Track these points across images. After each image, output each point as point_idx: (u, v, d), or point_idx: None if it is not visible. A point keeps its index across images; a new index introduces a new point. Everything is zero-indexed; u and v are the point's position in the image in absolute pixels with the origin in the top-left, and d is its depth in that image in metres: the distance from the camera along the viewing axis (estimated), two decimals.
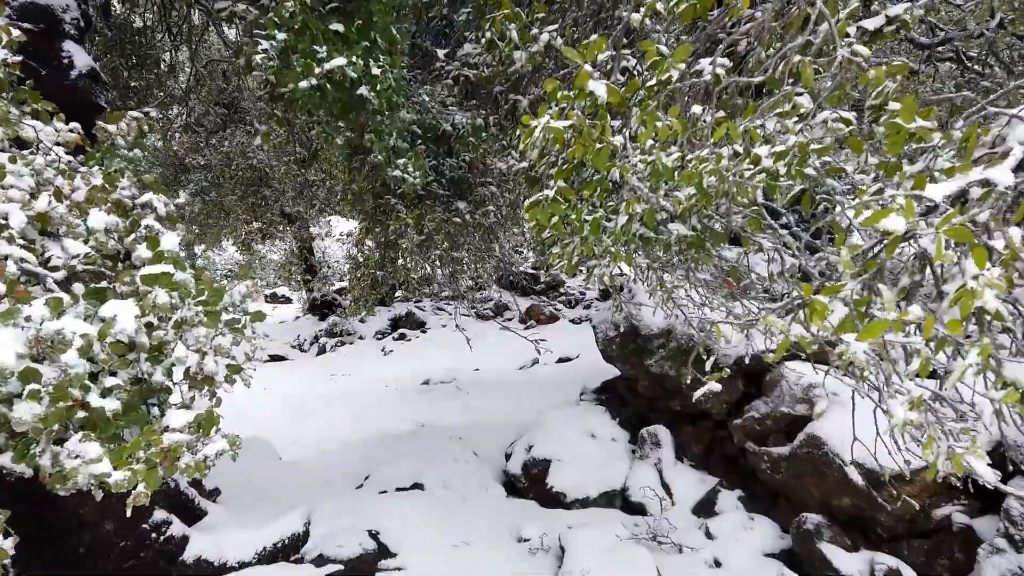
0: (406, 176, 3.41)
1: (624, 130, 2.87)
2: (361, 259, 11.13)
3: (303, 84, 3.04)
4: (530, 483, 6.50)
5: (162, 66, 10.63)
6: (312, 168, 10.85)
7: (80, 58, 4.06)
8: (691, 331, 6.20)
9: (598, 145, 2.73)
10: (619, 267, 2.85)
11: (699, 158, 2.56)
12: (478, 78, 4.39)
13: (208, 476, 6.86)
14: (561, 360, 13.51)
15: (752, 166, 2.36)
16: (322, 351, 16.81)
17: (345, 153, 4.64)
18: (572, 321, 17.48)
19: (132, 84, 9.96)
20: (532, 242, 8.52)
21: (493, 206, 4.90)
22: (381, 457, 7.82)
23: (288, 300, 20.58)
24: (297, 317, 19.27)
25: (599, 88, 2.69)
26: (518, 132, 3.72)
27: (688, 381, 4.23)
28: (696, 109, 2.56)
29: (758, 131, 2.46)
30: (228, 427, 8.24)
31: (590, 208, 2.93)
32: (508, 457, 6.93)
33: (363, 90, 3.24)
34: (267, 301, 22.11)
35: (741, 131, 2.44)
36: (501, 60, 4.15)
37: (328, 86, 3.16)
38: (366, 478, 6.93)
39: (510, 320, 18.01)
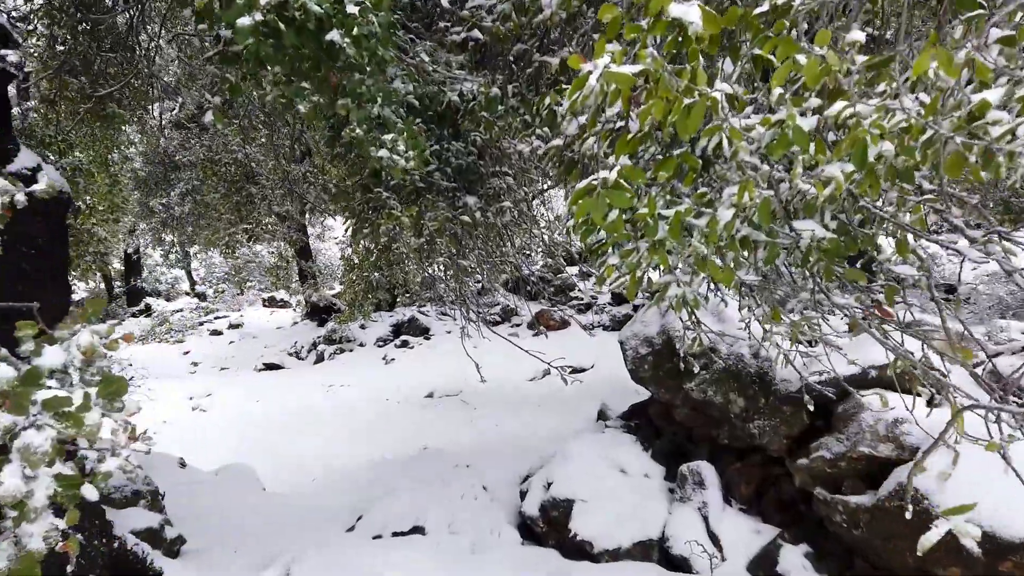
0: (395, 157, 2.46)
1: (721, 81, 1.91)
2: (356, 260, 10.22)
3: (244, 21, 2.09)
4: (549, 528, 5.54)
5: (138, 51, 9.70)
6: (304, 163, 9.96)
7: None
8: (740, 350, 5.25)
9: (687, 100, 1.78)
10: (712, 288, 1.91)
11: (857, 115, 1.60)
12: (494, 35, 3.44)
13: (176, 517, 5.93)
14: (575, 371, 12.54)
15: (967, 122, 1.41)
16: (320, 359, 15.88)
17: (326, 135, 3.70)
18: (585, 328, 16.51)
19: (108, 70, 9.00)
20: (557, 246, 7.56)
21: (510, 202, 3.96)
22: (378, 488, 6.86)
23: (286, 304, 19.65)
24: (295, 323, 18.34)
25: (690, 12, 1.74)
26: (546, 102, 2.77)
27: (738, 410, 3.33)
28: (856, 35, 1.60)
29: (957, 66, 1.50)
30: (215, 446, 7.33)
31: (668, 199, 1.98)
32: (523, 495, 5.97)
33: (334, 35, 2.30)
34: (265, 306, 21.19)
35: (935, 67, 1.48)
36: (524, 8, 3.19)
37: (283, 27, 2.21)
38: (359, 518, 5.98)
39: (518, 326, 17.07)
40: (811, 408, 3.47)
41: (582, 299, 17.73)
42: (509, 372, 13.25)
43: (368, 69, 2.44)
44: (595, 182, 1.84)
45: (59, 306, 3.69)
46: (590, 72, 1.79)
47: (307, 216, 14.11)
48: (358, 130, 2.48)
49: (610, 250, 2.08)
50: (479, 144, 3.81)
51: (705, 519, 5.07)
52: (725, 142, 1.74)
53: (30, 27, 8.06)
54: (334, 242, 18.03)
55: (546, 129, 3.19)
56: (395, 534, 5.64)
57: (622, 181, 1.82)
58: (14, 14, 7.65)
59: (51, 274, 3.59)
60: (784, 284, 2.38)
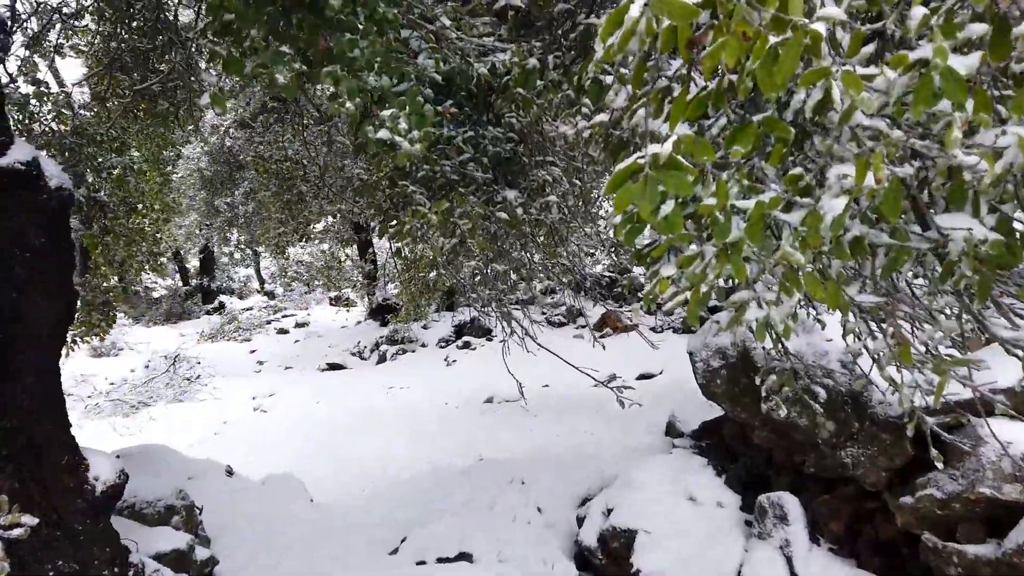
0: (397, 139, 1.97)
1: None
2: (410, 259, 9.84)
3: None
4: (609, 561, 4.97)
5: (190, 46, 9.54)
6: (359, 159, 9.63)
7: None
8: (828, 363, 4.55)
9: (774, 38, 1.20)
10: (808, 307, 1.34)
11: None
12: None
13: (214, 531, 5.65)
14: (642, 376, 11.84)
15: None
16: (382, 359, 15.69)
17: (349, 115, 3.20)
18: (652, 329, 15.75)
19: (160, 67, 8.84)
20: (612, 244, 6.94)
21: (557, 195, 3.42)
22: (427, 505, 6.44)
23: (352, 303, 19.60)
24: (358, 322, 18.26)
25: None
26: (589, 70, 2.22)
27: (827, 435, 2.73)
28: None
29: None
30: (271, 450, 7.08)
31: (745, 184, 1.40)
32: (581, 521, 5.41)
33: None
34: (331, 304, 21.25)
35: None
36: None
37: None
38: (403, 540, 5.55)
39: (583, 327, 16.45)
40: (916, 432, 2.81)
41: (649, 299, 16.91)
42: (572, 376, 12.70)
43: (361, 28, 1.95)
44: (641, 160, 1.28)
45: (57, 313, 3.35)
46: (631, 1, 1.24)
47: (364, 214, 13.90)
48: (348, 104, 2.00)
49: (664, 256, 1.52)
50: (519, 128, 3.29)
51: (788, 560, 4.40)
52: (836, 96, 1.15)
53: (82, 23, 8.01)
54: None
55: (591, 105, 2.63)
56: (440, 560, 5.18)
57: (680, 158, 1.27)
58: (64, 10, 7.59)
59: (51, 278, 3.25)
60: (911, 304, 1.76)
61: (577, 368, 4.78)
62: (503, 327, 4.33)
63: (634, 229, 1.48)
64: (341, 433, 10.41)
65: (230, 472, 6.95)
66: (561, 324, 16.80)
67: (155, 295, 27.13)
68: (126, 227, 7.61)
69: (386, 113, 2.02)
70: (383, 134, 2.06)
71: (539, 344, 4.59)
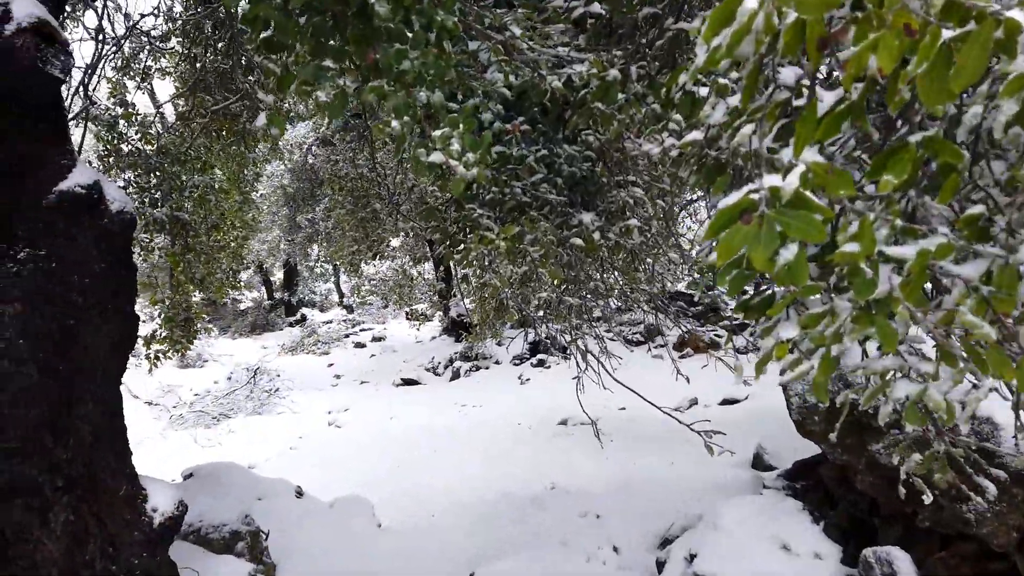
0: (452, 163, 1.71)
1: None
2: (480, 284, 9.65)
3: None
4: None
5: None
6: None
7: (20, 6, 2.71)
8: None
9: (948, 31, 0.85)
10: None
11: None
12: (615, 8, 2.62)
13: (279, 556, 5.54)
14: (726, 401, 11.26)
15: None
16: (456, 376, 15.58)
17: (396, 136, 2.99)
18: (737, 351, 15.05)
19: (242, 87, 8.99)
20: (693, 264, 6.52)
21: (638, 220, 3.10)
22: (497, 534, 6.17)
23: (427, 318, 19.64)
24: (433, 337, 18.26)
25: None
26: (680, 79, 1.91)
27: (945, 485, 2.29)
28: None
29: None
30: (343, 467, 7.00)
31: (898, 226, 1.07)
32: (661, 566, 5.01)
33: None
34: (407, 319, 21.37)
35: None
36: None
37: None
38: (471, 575, 5.28)
39: (663, 347, 15.89)
40: None
41: (736, 318, 16.23)
42: (651, 399, 12.20)
43: (412, 38, 1.71)
44: (755, 195, 0.97)
45: (117, 339, 3.25)
46: None
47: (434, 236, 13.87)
48: (394, 123, 1.76)
49: (784, 312, 1.20)
50: (598, 146, 2.99)
51: None
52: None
53: (170, 46, 8.22)
54: None
55: (681, 122, 2.31)
56: None
57: (808, 195, 0.95)
58: (153, 33, 7.80)
59: (111, 304, 3.15)
60: None
61: (651, 403, 4.42)
62: (577, 360, 3.99)
63: (741, 278, 1.17)
64: (413, 452, 10.29)
65: (300, 493, 6.87)
66: (639, 342, 16.30)
67: (241, 307, 28.06)
68: (207, 245, 7.72)
69: (438, 133, 1.77)
70: (436, 157, 1.80)
71: (615, 379, 4.24)
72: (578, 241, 2.90)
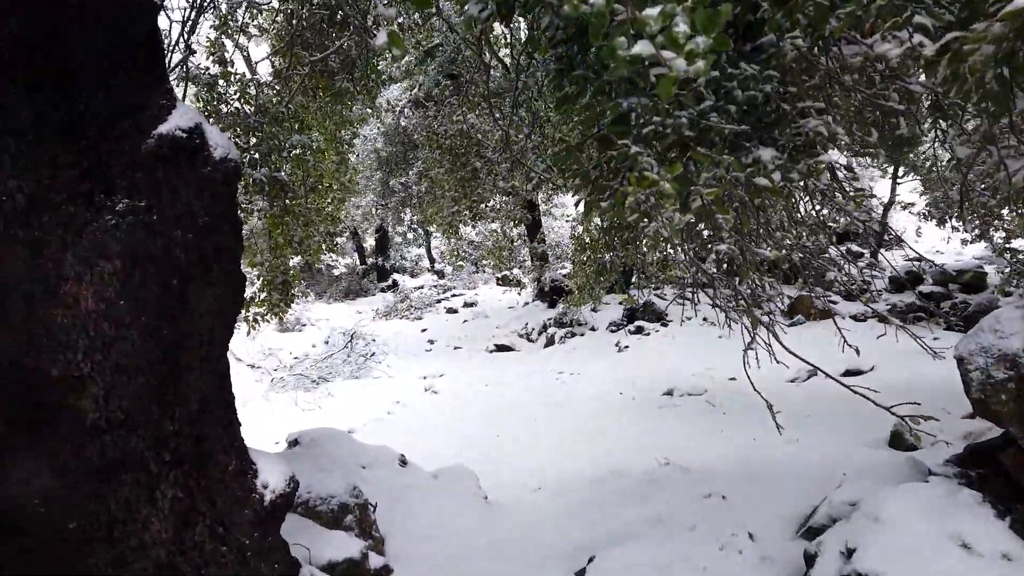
0: (666, 54, 1.20)
1: None
2: (587, 240, 9.11)
3: None
4: None
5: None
6: (533, 134, 9.01)
7: None
8: None
9: None
10: None
11: None
12: None
13: (387, 530, 5.29)
14: (847, 373, 10.37)
15: None
16: (550, 342, 15.19)
17: (551, 69, 2.57)
18: (854, 318, 13.97)
19: (341, 44, 8.65)
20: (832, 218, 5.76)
21: (830, 152, 2.50)
22: (613, 516, 5.74)
23: (519, 283, 19.28)
24: (526, 303, 17.90)
25: None
26: None
27: None
28: None
29: None
30: (442, 434, 6.74)
31: None
32: (811, 560, 4.43)
33: None
34: (498, 284, 21.11)
35: None
36: None
37: None
38: (590, 560, 4.86)
39: (769, 314, 14.96)
40: None
41: (850, 283, 15.07)
42: (761, 369, 11.40)
43: None
44: None
45: (224, 301, 2.94)
46: None
47: (537, 192, 13.33)
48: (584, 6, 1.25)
49: None
50: (788, 61, 2.40)
51: None
52: None
53: (267, 2, 7.98)
54: (565, 220, 17.19)
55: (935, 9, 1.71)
56: None
57: None
58: None
59: (216, 262, 2.83)
60: None
61: (825, 374, 3.82)
62: (747, 327, 3.42)
63: None
64: (511, 420, 9.98)
65: (403, 462, 6.63)
66: (730, 308, 15.44)
67: (336, 273, 28.56)
68: (305, 207, 7.51)
69: (654, 11, 1.25)
70: (642, 48, 1.29)
71: (786, 348, 3.66)
72: (763, 181, 2.34)
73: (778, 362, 3.93)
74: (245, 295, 7.57)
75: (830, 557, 4.25)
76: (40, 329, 2.47)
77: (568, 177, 2.91)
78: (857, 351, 4.10)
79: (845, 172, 2.82)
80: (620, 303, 15.10)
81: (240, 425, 3.31)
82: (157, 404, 2.76)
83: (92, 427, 2.59)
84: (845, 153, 3.13)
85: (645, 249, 8.09)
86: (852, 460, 6.55)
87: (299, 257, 8.91)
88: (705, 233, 3.90)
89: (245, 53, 9.32)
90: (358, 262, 27.18)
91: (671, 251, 2.85)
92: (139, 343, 2.63)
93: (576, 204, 2.82)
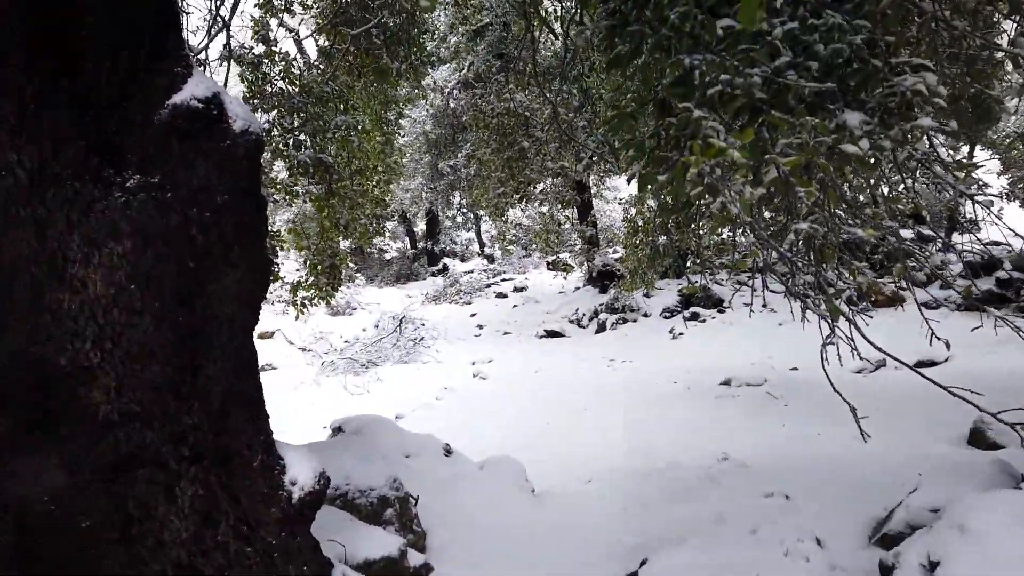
0: None
1: None
2: (640, 222, 8.71)
3: None
4: None
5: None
6: (583, 112, 8.63)
7: None
8: None
9: None
10: None
11: None
12: None
13: (429, 524, 5.10)
14: (921, 364, 9.73)
15: None
16: (602, 328, 14.83)
17: (601, 24, 2.23)
18: (925, 305, 13.19)
19: (386, 21, 8.41)
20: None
21: (927, 114, 2.13)
22: (667, 514, 5.43)
23: (570, 268, 18.93)
24: (576, 288, 17.55)
25: None
26: None
27: None
28: None
29: None
30: (489, 421, 6.51)
31: None
32: (888, 572, 4.04)
33: None
34: (548, 269, 20.78)
35: None
36: None
37: None
38: (642, 563, 4.57)
39: (836, 299, 14.29)
40: None
41: (920, 268, 14.25)
42: (829, 358, 10.81)
43: None
44: None
45: (246, 285, 2.73)
46: None
47: (588, 173, 12.92)
48: None
49: None
50: (878, 9, 2.04)
51: None
52: None
53: None
54: (617, 202, 16.73)
55: None
56: None
57: None
58: None
59: (237, 243, 2.62)
60: None
61: (910, 367, 3.42)
62: (824, 316, 3.05)
63: None
64: (561, 408, 9.71)
65: (448, 451, 6.44)
66: (805, 295, 14.78)
67: (387, 257, 28.69)
68: (350, 189, 7.34)
69: None
70: None
71: (867, 339, 3.28)
72: (850, 148, 1.99)
73: (860, 357, 3.53)
74: (293, 279, 7.49)
75: (910, 570, 3.85)
76: (47, 316, 2.30)
77: (621, 148, 2.58)
78: (947, 343, 3.66)
79: (944, 139, 2.42)
80: (680, 290, 14.61)
81: (268, 418, 3.11)
82: (174, 396, 2.57)
83: (104, 421, 2.42)
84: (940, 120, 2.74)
85: (703, 232, 7.67)
86: (928, 459, 6.07)
87: (349, 241, 8.79)
88: (767, 214, 3.53)
89: (295, 35, 9.20)
90: (409, 246, 27.22)
91: (738, 233, 2.53)
92: (152, 330, 2.43)
93: (628, 180, 2.50)
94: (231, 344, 2.80)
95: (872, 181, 2.71)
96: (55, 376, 2.33)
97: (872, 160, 2.19)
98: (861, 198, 2.93)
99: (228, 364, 2.80)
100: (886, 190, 3.16)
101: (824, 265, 2.65)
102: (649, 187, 2.48)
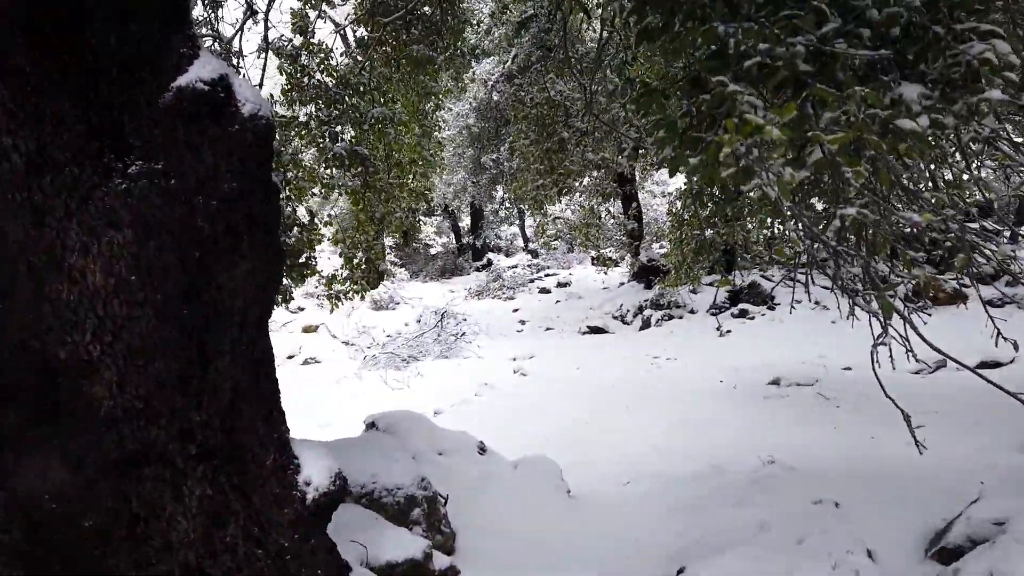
0: None
1: None
2: (685, 215, 8.42)
3: None
4: None
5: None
6: (626, 98, 8.35)
7: None
8: None
9: None
10: None
11: None
12: None
13: (459, 524, 4.97)
14: (984, 364, 9.20)
15: None
16: (646, 325, 14.52)
17: None
18: (989, 303, 12.51)
19: (423, 10, 8.29)
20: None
21: (996, 87, 1.88)
22: (708, 520, 5.19)
23: (615, 263, 18.62)
24: (621, 283, 17.24)
25: None
26: None
27: None
28: None
29: None
30: (528, 418, 6.32)
31: None
32: None
33: None
34: (593, 264, 20.48)
35: None
36: None
37: None
38: (679, 572, 4.35)
39: (891, 296, 13.69)
40: None
41: (987, 261, 13.52)
42: (882, 357, 10.33)
43: None
44: None
45: (256, 276, 2.62)
46: None
47: (634, 165, 12.61)
48: None
49: None
50: None
51: None
52: None
53: None
54: (663, 196, 16.36)
55: None
56: None
57: None
58: None
59: (243, 235, 2.50)
60: None
61: (971, 369, 3.13)
62: (877, 315, 2.80)
63: None
64: (602, 407, 9.49)
65: (483, 449, 6.30)
66: (855, 291, 14.19)
67: (432, 252, 28.78)
68: (386, 182, 7.25)
69: None
70: None
71: (923, 338, 3.01)
72: (907, 123, 1.75)
73: (915, 359, 3.25)
74: (329, 272, 7.45)
75: None
76: (47, 307, 2.22)
77: (651, 129, 2.38)
78: (1015, 344, 3.35)
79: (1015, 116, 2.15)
80: (728, 287, 14.20)
81: (283, 415, 3.00)
82: (181, 392, 2.47)
83: (107, 417, 2.33)
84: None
85: (751, 225, 7.36)
86: (992, 467, 5.69)
87: (394, 236, 8.75)
88: (818, 205, 3.27)
89: (340, 30, 9.16)
90: (454, 241, 27.22)
91: (779, 223, 2.30)
92: (155, 324, 2.34)
93: (659, 166, 2.29)
94: (242, 338, 2.69)
95: (932, 165, 2.45)
96: (57, 369, 2.25)
97: (931, 138, 1.94)
98: (920, 185, 2.66)
99: (239, 359, 2.69)
100: (949, 175, 2.88)
101: (875, 257, 2.39)
102: (681, 170, 2.27)
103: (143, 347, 2.33)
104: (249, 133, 2.54)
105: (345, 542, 3.58)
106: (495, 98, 14.53)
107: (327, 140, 6.89)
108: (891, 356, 3.67)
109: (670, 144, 2.27)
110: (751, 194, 1.83)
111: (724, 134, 1.85)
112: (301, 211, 6.71)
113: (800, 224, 2.04)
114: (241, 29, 6.40)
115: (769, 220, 5.94)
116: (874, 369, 2.99)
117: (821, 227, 2.11)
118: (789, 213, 1.89)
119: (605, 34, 5.27)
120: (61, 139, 2.17)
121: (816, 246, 2.20)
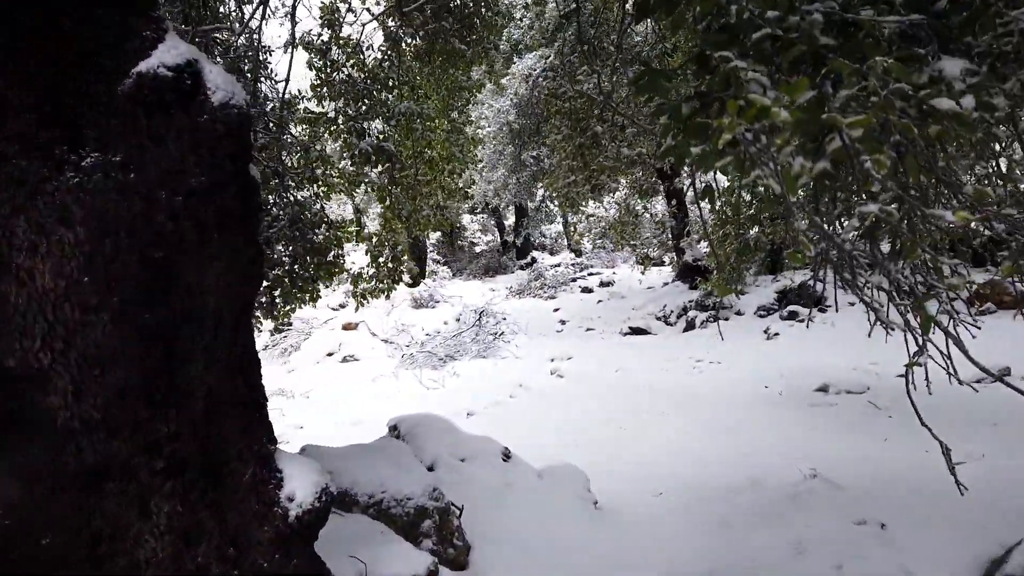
0: None
1: None
2: (728, 213, 8.03)
3: None
4: None
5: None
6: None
7: None
8: None
9: None
10: None
11: None
12: None
13: (476, 538, 4.75)
14: None
15: None
16: (690, 326, 14.07)
17: None
18: None
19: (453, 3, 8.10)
20: None
21: None
22: (742, 538, 4.86)
23: (649, 261, 18.15)
24: (665, 283, 16.79)
25: None
26: None
27: None
28: None
29: None
30: (559, 423, 5.96)
31: None
32: None
33: None
34: (637, 263, 20.05)
35: None
36: None
37: None
38: None
39: (952, 300, 12.94)
40: None
41: None
42: (934, 367, 9.72)
43: None
44: None
45: (231, 279, 2.44)
46: None
47: (668, 159, 12.20)
48: None
49: None
50: None
51: None
52: None
53: None
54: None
55: None
56: None
57: None
58: None
59: (214, 233, 2.32)
60: None
61: (999, 379, 2.76)
62: (915, 321, 2.47)
63: None
64: (639, 412, 9.15)
65: (507, 456, 6.07)
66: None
67: (477, 250, 28.68)
68: (413, 178, 7.08)
69: None
70: None
71: (970, 357, 2.66)
72: (944, 103, 1.45)
73: (958, 379, 2.90)
74: (359, 271, 7.32)
75: None
76: None
77: (654, 114, 2.11)
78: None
79: None
80: (777, 289, 13.67)
81: (269, 425, 2.82)
82: (145, 402, 2.31)
83: (64, 429, 2.18)
84: None
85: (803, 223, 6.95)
86: None
87: (425, 235, 8.59)
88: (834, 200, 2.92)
89: (383, 25, 9.03)
90: (498, 239, 27.06)
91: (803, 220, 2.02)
92: (111, 329, 2.17)
93: (661, 155, 2.03)
94: (217, 342, 2.52)
95: (973, 154, 2.11)
96: (7, 379, 2.11)
97: (979, 122, 1.63)
98: (965, 176, 2.32)
99: (214, 365, 2.52)
100: (1004, 165, 2.52)
101: (904, 262, 2.07)
102: (687, 161, 2.00)
103: (99, 354, 2.17)
104: (220, 123, 2.36)
105: (343, 557, 3.41)
106: (536, 94, 14.27)
107: (353, 136, 6.75)
108: (950, 365, 3.29)
109: (671, 132, 2.00)
110: (749, 181, 1.57)
111: (725, 118, 1.57)
112: (330, 208, 6.61)
113: (810, 223, 1.75)
114: (261, 21, 6.30)
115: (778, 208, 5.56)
116: (908, 390, 2.65)
117: (845, 227, 1.81)
118: (798, 208, 1.60)
119: (622, 19, 4.97)
120: (7, 129, 2.02)
121: (832, 251, 1.89)
